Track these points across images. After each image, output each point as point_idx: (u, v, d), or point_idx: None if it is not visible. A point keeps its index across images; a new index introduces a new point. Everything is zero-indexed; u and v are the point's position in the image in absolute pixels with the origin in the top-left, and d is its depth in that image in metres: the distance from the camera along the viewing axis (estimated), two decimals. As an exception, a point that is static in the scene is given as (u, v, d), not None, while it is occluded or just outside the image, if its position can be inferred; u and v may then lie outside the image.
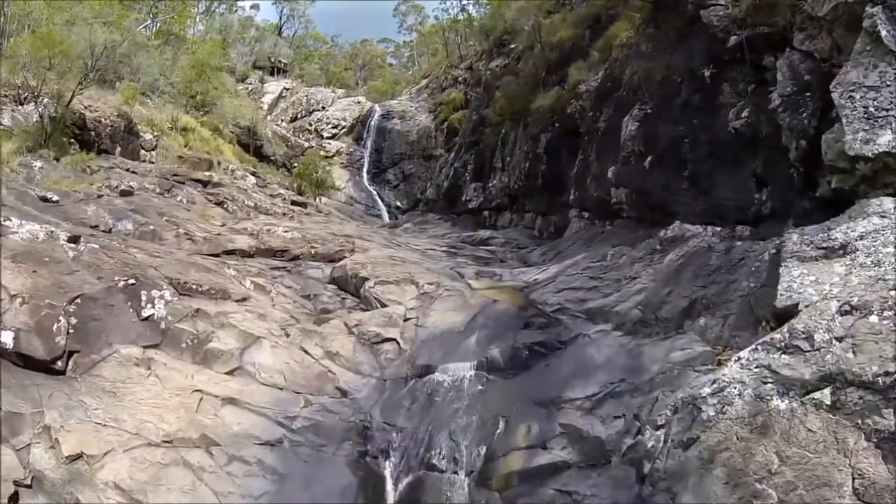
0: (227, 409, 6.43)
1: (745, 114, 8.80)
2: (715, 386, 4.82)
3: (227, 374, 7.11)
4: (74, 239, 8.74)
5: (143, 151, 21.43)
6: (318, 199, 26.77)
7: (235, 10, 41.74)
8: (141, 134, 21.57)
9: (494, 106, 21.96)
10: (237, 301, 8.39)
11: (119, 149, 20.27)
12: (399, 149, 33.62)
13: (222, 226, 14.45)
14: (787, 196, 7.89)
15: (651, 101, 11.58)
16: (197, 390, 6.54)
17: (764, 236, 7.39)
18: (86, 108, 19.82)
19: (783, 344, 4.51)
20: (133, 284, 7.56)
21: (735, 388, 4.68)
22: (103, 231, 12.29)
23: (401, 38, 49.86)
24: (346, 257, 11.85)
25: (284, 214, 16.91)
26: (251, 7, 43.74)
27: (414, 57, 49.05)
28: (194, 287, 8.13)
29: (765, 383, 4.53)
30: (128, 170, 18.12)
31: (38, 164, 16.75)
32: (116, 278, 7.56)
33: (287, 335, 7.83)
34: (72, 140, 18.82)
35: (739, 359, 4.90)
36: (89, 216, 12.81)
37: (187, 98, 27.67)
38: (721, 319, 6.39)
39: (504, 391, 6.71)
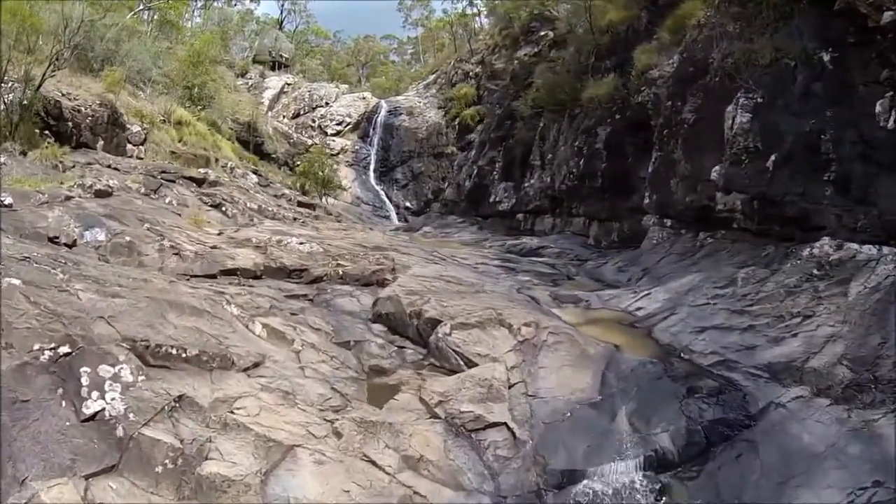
0: None
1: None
2: None
3: (236, 524, 3.66)
4: (-12, 269, 5.22)
5: (129, 146, 17.70)
6: (324, 199, 23.20)
7: (234, 4, 37.85)
8: (128, 126, 17.82)
9: (525, 98, 18.58)
10: (246, 370, 4.88)
11: (101, 143, 16.56)
12: (407, 146, 30.03)
13: (219, 234, 10.89)
14: None
15: (759, 89, 9.17)
16: None
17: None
18: (63, 95, 16.12)
19: None
20: (68, 356, 4.04)
21: None
22: (64, 244, 8.78)
23: (405, 33, 46.22)
24: (387, 280, 8.40)
25: (295, 219, 13.36)
26: (251, 0, 39.86)
27: (418, 53, 45.40)
28: (173, 351, 4.59)
29: None
30: (109, 166, 14.49)
31: (1, 158, 13.11)
32: (38, 346, 4.03)
33: (337, 433, 4.35)
34: (45, 132, 15.14)
35: None
36: (49, 224, 9.29)
37: (183, 89, 23.93)
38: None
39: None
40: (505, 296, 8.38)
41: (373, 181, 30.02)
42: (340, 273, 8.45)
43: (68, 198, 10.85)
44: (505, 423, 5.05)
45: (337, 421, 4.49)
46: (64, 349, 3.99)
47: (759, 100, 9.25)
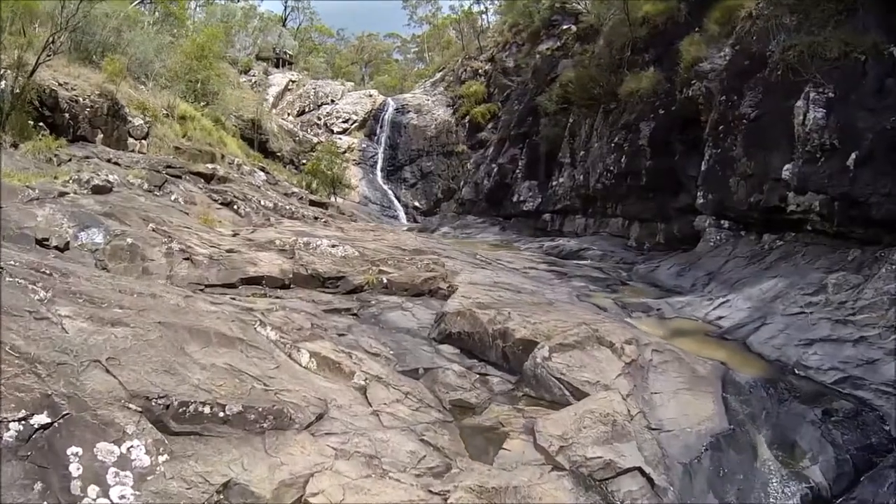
0: None
1: None
2: None
3: None
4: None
5: (131, 140, 16.05)
6: (335, 198, 21.67)
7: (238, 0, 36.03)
8: (129, 119, 16.16)
9: (550, 93, 17.17)
10: (308, 426, 3.38)
11: (101, 136, 14.96)
12: (416, 145, 28.47)
13: (234, 236, 9.39)
14: None
15: (830, 84, 8.53)
16: None
17: None
18: (60, 84, 14.52)
19: None
20: (47, 428, 2.52)
21: None
22: (55, 247, 7.26)
23: (410, 31, 44.51)
24: (440, 289, 6.94)
25: (316, 219, 11.83)
26: (253, -3, 37.83)
27: (422, 51, 43.72)
28: (206, 409, 3.06)
29: None
30: (109, 160, 12.91)
31: (-11, 150, 11.50)
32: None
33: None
34: (40, 123, 13.56)
35: None
36: (38, 224, 7.79)
37: (186, 84, 22.28)
38: None
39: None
40: (569, 303, 7.13)
41: (380, 180, 28.47)
42: (385, 281, 6.95)
43: (62, 194, 9.35)
44: (639, 468, 3.80)
45: (449, 494, 3.01)
46: (41, 419, 2.47)
47: (830, 95, 8.50)
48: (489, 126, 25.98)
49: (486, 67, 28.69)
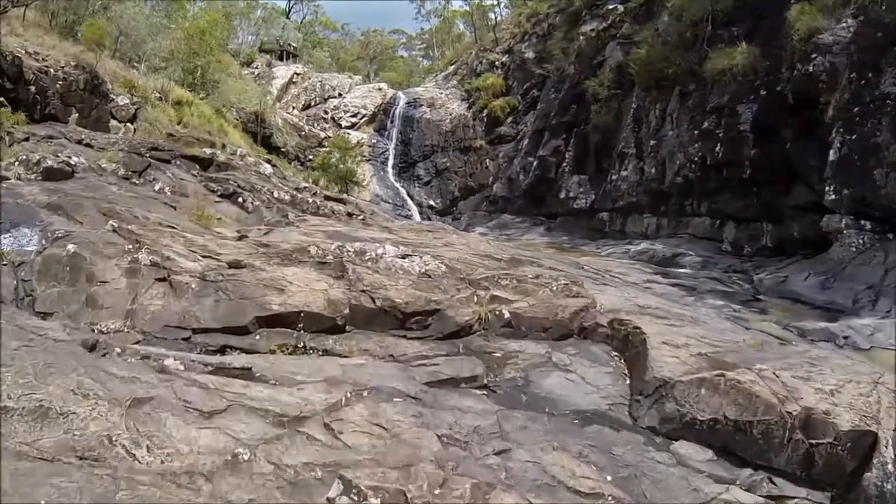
0: None
1: None
2: None
3: None
4: None
5: (114, 122, 12.78)
6: (349, 194, 18.47)
7: (239, -9, 32.45)
8: (112, 97, 12.89)
9: (601, 77, 14.16)
10: None
11: (76, 115, 11.70)
12: (430, 140, 25.28)
13: (240, 239, 6.18)
14: None
15: None
16: None
17: None
18: (28, 53, 11.26)
19: None
20: None
21: None
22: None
23: (417, 25, 41.06)
24: (599, 325, 3.87)
25: (351, 216, 8.69)
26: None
27: (430, 47, 40.38)
28: None
29: None
30: (80, 141, 9.68)
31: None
32: None
33: None
34: None
35: None
36: (-60, 219, 4.60)
37: (183, 67, 18.93)
38: None
39: None
40: (747, 334, 4.17)
41: (392, 177, 25.28)
42: (506, 316, 3.86)
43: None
44: None
45: None
46: None
47: None
48: (509, 120, 22.95)
49: (504, 59, 25.61)
